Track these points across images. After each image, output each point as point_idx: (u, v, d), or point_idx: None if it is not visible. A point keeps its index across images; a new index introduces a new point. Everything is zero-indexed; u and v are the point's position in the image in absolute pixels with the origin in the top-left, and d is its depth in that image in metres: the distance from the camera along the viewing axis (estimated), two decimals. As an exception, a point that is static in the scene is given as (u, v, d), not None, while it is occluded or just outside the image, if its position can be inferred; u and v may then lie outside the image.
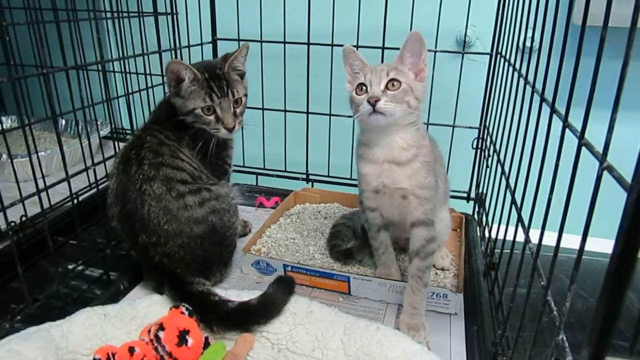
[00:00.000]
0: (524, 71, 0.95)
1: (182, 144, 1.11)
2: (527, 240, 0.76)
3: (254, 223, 1.44)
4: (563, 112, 0.67)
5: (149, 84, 1.69)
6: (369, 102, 0.93)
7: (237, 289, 1.06)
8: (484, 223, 1.32)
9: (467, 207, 1.56)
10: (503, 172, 1.05)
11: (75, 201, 1.28)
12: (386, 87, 0.95)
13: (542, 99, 0.77)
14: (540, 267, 0.69)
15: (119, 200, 1.06)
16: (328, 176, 1.70)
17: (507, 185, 0.98)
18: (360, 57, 1.01)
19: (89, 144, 1.49)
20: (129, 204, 1.04)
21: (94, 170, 1.28)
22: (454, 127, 1.53)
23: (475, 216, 1.50)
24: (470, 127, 1.52)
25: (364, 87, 0.97)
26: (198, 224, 1.05)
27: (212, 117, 1.08)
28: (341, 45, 1.51)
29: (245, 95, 1.14)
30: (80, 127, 1.62)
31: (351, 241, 1.33)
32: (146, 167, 1.04)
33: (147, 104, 1.72)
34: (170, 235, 1.03)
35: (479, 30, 1.70)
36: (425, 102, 1.47)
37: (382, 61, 1.46)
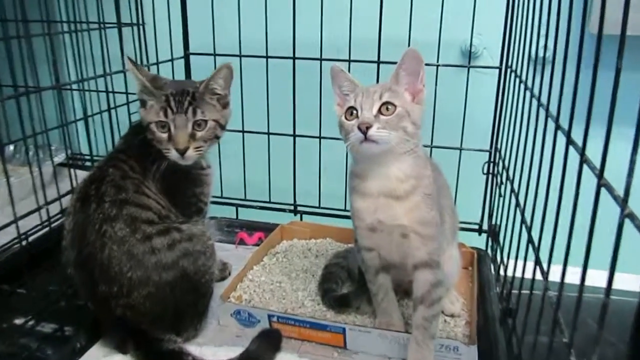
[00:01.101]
0: (536, 85, 0.97)
1: (147, 177, 1.11)
2: (546, 287, 0.77)
3: (234, 264, 1.43)
4: (581, 136, 0.68)
5: (112, 104, 1.69)
6: (359, 128, 0.94)
7: (214, 344, 1.05)
8: (498, 260, 1.32)
9: (480, 241, 1.57)
10: (517, 203, 1.06)
11: (24, 242, 1.27)
12: (379, 111, 0.96)
13: (557, 126, 0.79)
14: (562, 322, 0.69)
15: (75, 243, 1.05)
16: (319, 207, 1.71)
17: (523, 220, 0.99)
18: (349, 77, 1.03)
19: (40, 173, 1.48)
20: (87, 248, 1.03)
21: (47, 210, 1.28)
22: (461, 150, 1.55)
23: (489, 251, 1.50)
24: (480, 150, 1.54)
25: (354, 111, 0.98)
26: (167, 270, 1.04)
27: (164, 135, 1.10)
28: (331, 60, 1.54)
29: (218, 123, 1.14)
30: (30, 153, 1.62)
31: (346, 284, 1.33)
32: (107, 205, 1.04)
33: (109, 126, 1.73)
34: (135, 284, 1.02)
35: (486, 39, 1.74)
36: (428, 123, 1.49)
37: (378, 77, 1.48)
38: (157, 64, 1.63)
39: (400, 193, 1.00)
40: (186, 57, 1.73)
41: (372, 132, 0.94)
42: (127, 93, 1.66)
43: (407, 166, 1.00)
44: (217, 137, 1.16)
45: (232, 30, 1.63)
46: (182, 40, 1.72)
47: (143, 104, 1.13)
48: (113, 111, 1.67)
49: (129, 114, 1.64)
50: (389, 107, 0.96)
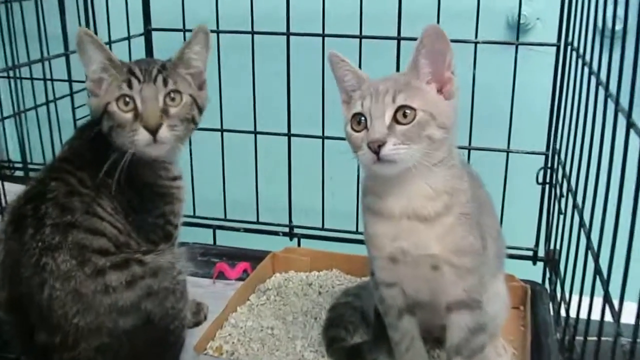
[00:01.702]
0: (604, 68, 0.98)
1: (100, 193, 1.13)
2: (618, 332, 0.79)
3: (210, 304, 1.44)
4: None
5: (50, 96, 1.72)
6: (369, 147, 0.95)
7: (187, 411, 1.06)
8: (558, 296, 1.34)
9: (535, 272, 1.58)
10: (581, 222, 1.08)
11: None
12: (394, 118, 0.97)
13: (630, 123, 0.81)
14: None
15: (6, 280, 1.07)
16: (322, 229, 1.72)
17: (588, 245, 1.01)
18: (352, 68, 1.05)
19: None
20: (21, 286, 1.05)
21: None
22: (508, 152, 1.56)
23: (547, 286, 1.52)
24: (534, 153, 1.55)
25: (362, 119, 0.99)
26: (126, 315, 1.05)
27: (129, 115, 1.11)
28: (337, 36, 1.58)
29: (195, 101, 1.17)
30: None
31: (359, 331, 1.34)
32: (48, 231, 1.06)
33: (47, 124, 1.75)
34: (84, 334, 1.03)
35: (539, 5, 1.76)
36: (465, 117, 1.51)
37: (398, 59, 1.51)
38: (109, 43, 1.65)
39: (430, 213, 1.01)
40: (147, 33, 1.76)
41: (386, 151, 0.95)
42: (70, 81, 1.68)
43: (437, 179, 1.02)
44: (194, 122, 1.18)
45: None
46: (141, 12, 1.75)
47: (95, 89, 1.15)
48: (52, 105, 1.71)
49: (73, 109, 1.66)
50: (407, 112, 0.97)
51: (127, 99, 1.11)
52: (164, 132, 1.11)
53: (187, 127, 1.16)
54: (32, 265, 1.04)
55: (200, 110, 1.20)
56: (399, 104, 0.97)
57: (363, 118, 0.99)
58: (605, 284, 0.91)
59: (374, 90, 1.00)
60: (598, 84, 1.05)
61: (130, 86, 1.11)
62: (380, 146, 0.94)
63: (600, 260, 0.97)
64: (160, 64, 1.16)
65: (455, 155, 1.05)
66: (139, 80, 1.11)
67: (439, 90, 1.02)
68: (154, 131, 1.10)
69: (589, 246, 1.01)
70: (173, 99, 1.13)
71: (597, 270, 0.95)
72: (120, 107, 1.11)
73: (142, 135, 1.10)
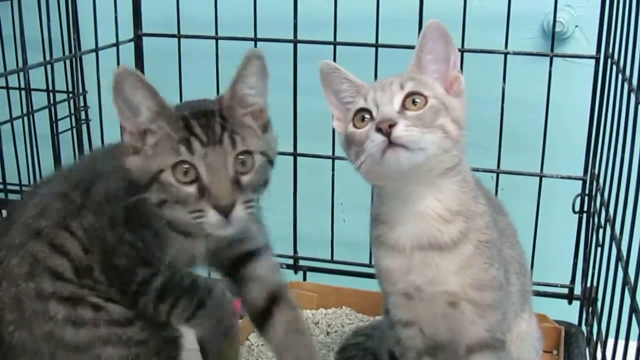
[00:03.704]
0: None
1: (85, 208, 1.14)
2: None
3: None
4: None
5: (29, 107, 1.76)
6: (379, 129, 0.96)
7: None
8: (595, 339, 1.37)
9: (571, 312, 1.61)
10: (619, 256, 1.13)
11: None
12: (403, 106, 1.01)
13: None
14: None
15: None
16: (331, 261, 1.75)
17: (625, 280, 1.05)
18: (349, 77, 1.09)
19: None
20: None
21: None
22: (541, 177, 1.60)
23: (584, 328, 1.54)
24: (570, 178, 1.59)
25: (366, 116, 1.03)
26: (72, 353, 1.08)
27: (191, 189, 0.99)
28: (349, 45, 1.61)
29: (267, 157, 1.06)
30: None
31: (371, 376, 1.38)
32: (17, 228, 1.12)
33: (22, 140, 1.80)
34: (19, 348, 1.08)
35: (580, 12, 1.81)
36: (493, 136, 1.56)
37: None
38: (96, 50, 1.73)
39: (445, 240, 1.05)
40: (137, 39, 1.82)
41: (399, 131, 0.95)
42: (48, 91, 1.74)
43: (450, 195, 1.05)
44: (266, 185, 1.07)
45: (200, 2, 1.71)
46: (131, 15, 1.80)
47: (137, 143, 1.04)
48: (30, 117, 1.74)
49: (54, 121, 1.71)
50: (417, 99, 1.01)
51: (187, 167, 0.99)
52: (238, 212, 0.99)
53: (259, 195, 1.06)
54: None
55: (272, 164, 1.09)
56: (408, 90, 1.01)
57: (367, 114, 1.02)
58: None
59: (378, 85, 1.04)
60: (637, 102, 1.09)
61: (190, 150, 0.99)
62: (391, 127, 0.95)
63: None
64: (216, 109, 1.04)
65: (467, 169, 1.08)
66: (201, 142, 0.99)
67: (447, 90, 1.06)
68: (226, 209, 0.98)
69: (626, 280, 1.05)
70: (244, 163, 1.02)
71: (634, 309, 0.99)
72: (177, 177, 0.99)
73: (213, 218, 0.98)
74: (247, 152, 1.02)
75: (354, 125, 1.03)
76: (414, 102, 1.00)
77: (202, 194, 0.98)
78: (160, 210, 1.02)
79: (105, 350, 1.09)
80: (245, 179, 1.01)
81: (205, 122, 1.01)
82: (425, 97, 1.00)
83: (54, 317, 1.07)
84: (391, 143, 0.95)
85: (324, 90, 1.10)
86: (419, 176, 1.02)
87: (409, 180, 1.03)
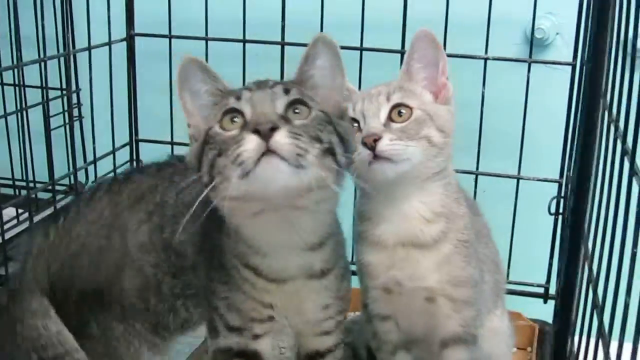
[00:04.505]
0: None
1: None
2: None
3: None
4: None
5: (21, 104, 1.77)
6: (364, 144, 1.02)
7: None
8: (570, 338, 1.41)
9: (546, 311, 1.63)
10: (585, 254, 1.17)
11: None
12: (389, 117, 1.06)
13: (624, 151, 0.90)
14: None
15: None
16: None
17: (589, 278, 1.09)
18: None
19: None
20: None
21: None
22: (519, 179, 1.64)
23: (559, 325, 1.55)
24: (546, 180, 1.63)
25: (355, 125, 1.08)
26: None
27: (232, 132, 0.93)
28: (342, 48, 1.60)
29: (332, 123, 0.97)
30: None
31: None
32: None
33: (17, 137, 1.82)
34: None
35: (560, 19, 1.84)
36: (473, 139, 1.60)
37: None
38: (89, 49, 1.76)
39: (426, 239, 1.09)
40: (129, 39, 1.85)
41: (382, 145, 1.01)
42: (43, 88, 1.77)
43: (435, 199, 1.10)
44: (332, 154, 0.95)
45: (193, 3, 1.75)
46: (124, 16, 1.84)
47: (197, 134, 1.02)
48: (24, 114, 1.78)
49: (46, 117, 1.75)
50: (402, 110, 1.06)
51: (234, 114, 0.95)
52: (282, 138, 0.87)
53: (322, 153, 0.92)
54: None
55: (347, 147, 0.99)
56: (394, 102, 1.06)
57: (356, 123, 1.07)
58: (601, 322, 0.98)
59: (367, 95, 1.09)
60: (604, 110, 1.14)
61: (238, 98, 0.97)
62: (376, 141, 1.01)
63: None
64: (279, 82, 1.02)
65: (451, 173, 1.13)
66: (249, 90, 0.97)
67: (435, 97, 1.11)
68: (266, 135, 0.87)
69: (589, 278, 1.09)
70: (297, 111, 0.95)
71: (595, 303, 1.03)
72: (224, 126, 0.94)
73: (250, 144, 0.87)
74: (302, 103, 0.96)
75: None
76: (399, 113, 1.05)
77: (241, 133, 0.91)
78: (210, 192, 0.92)
79: None
80: (297, 121, 0.93)
81: (260, 81, 1.01)
82: (411, 109, 1.06)
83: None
84: (376, 156, 1.01)
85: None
86: (406, 181, 1.07)
87: (396, 185, 1.07)
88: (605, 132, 1.13)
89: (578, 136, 1.42)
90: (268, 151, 0.87)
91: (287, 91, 0.97)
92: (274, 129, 0.87)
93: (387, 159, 1.02)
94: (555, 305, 1.60)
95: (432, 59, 1.10)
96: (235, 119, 0.94)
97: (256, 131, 0.87)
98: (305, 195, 0.94)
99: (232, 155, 0.88)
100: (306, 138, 0.90)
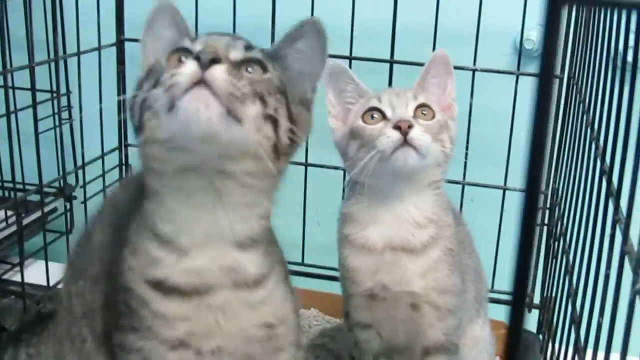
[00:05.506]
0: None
1: None
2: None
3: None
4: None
5: (10, 106, 1.78)
6: (398, 127, 1.06)
7: None
8: (551, 348, 1.42)
9: (529, 320, 1.67)
10: (567, 267, 1.19)
11: None
12: (414, 114, 1.12)
13: (603, 170, 0.93)
14: None
15: None
16: (302, 264, 1.79)
17: (569, 292, 1.11)
18: (355, 80, 1.19)
19: None
20: None
21: None
22: (505, 189, 1.67)
23: (542, 335, 1.60)
24: None
25: (376, 115, 1.12)
26: None
27: (175, 68, 0.85)
28: (365, 60, 1.60)
29: (282, 88, 0.91)
30: None
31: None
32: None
33: (7, 140, 1.84)
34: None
35: None
36: (459, 150, 1.58)
37: (390, 81, 1.62)
38: (78, 54, 1.78)
39: (416, 244, 1.13)
40: (119, 43, 1.87)
41: (416, 133, 1.07)
42: (33, 90, 1.77)
43: (428, 205, 1.14)
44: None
45: (186, 8, 1.76)
46: (114, 21, 1.85)
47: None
48: (12, 116, 1.77)
49: (35, 120, 1.76)
50: (426, 111, 1.12)
51: (186, 55, 0.88)
52: (220, 72, 0.82)
53: (262, 116, 0.87)
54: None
55: (294, 132, 0.94)
56: (420, 102, 1.12)
57: (378, 113, 1.12)
58: (579, 333, 1.01)
59: (391, 91, 1.15)
60: (587, 125, 1.16)
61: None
62: (410, 127, 1.06)
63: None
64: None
65: (443, 184, 1.17)
66: (208, 34, 0.95)
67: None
68: (204, 64, 0.81)
69: (569, 291, 1.11)
70: (249, 71, 0.89)
71: (573, 318, 1.05)
72: (171, 62, 0.90)
73: (186, 69, 0.81)
74: (259, 63, 0.91)
75: (364, 121, 1.13)
76: (423, 112, 1.11)
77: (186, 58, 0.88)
78: (142, 108, 0.90)
79: None
80: (246, 73, 0.88)
81: (223, 34, 0.96)
82: (433, 112, 1.12)
83: None
84: (405, 143, 1.05)
85: (326, 88, 1.18)
86: (412, 182, 1.11)
87: (402, 183, 1.12)
88: (588, 149, 1.15)
89: (564, 150, 1.43)
90: (202, 82, 0.80)
91: (249, 47, 0.92)
92: (215, 61, 0.81)
93: (415, 148, 1.06)
94: (539, 315, 1.63)
95: (443, 79, 1.17)
96: (184, 58, 0.88)
97: (197, 58, 0.82)
98: (235, 160, 0.86)
99: (167, 82, 0.82)
100: (249, 90, 0.84)
